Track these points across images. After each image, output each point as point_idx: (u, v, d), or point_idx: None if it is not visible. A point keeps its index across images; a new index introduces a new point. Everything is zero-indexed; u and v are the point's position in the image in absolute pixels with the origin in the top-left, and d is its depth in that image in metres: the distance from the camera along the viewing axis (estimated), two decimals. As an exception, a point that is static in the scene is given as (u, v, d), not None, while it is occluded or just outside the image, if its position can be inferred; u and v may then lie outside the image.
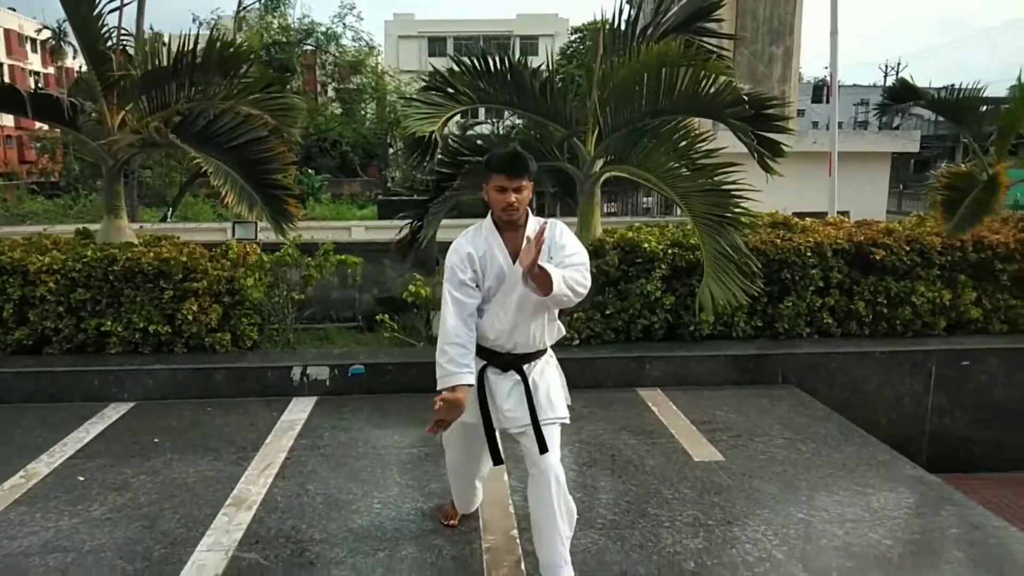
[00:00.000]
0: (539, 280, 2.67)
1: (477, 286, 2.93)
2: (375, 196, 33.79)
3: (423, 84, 6.40)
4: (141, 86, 6.27)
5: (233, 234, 7.43)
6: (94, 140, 6.40)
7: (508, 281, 2.90)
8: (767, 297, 6.06)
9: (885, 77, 54.20)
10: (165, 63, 6.20)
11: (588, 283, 2.84)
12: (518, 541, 3.45)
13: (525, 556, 3.32)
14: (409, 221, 6.65)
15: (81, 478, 4.18)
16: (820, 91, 50.21)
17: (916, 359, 5.87)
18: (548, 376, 3.06)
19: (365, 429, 4.92)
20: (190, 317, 5.68)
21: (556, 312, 3.05)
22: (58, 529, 3.61)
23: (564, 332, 3.17)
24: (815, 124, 44.45)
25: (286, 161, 5.83)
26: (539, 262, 2.65)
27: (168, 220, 21.73)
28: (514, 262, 2.88)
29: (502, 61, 6.07)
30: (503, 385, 3.00)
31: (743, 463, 4.36)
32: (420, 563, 3.28)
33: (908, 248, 6.07)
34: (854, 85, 59.08)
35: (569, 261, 2.83)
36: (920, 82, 8.30)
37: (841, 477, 4.19)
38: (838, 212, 9.44)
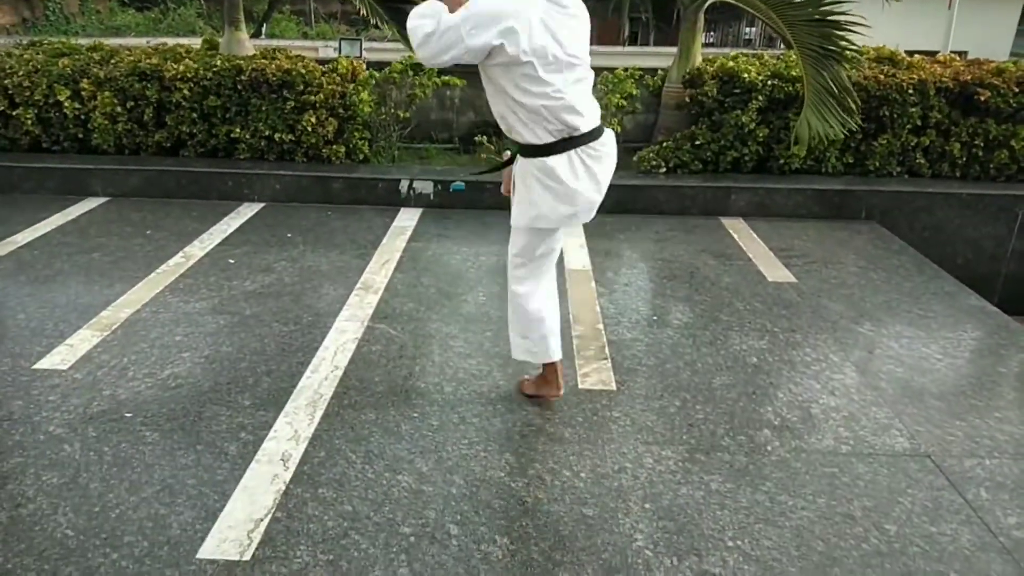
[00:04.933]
0: None
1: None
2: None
3: None
4: None
5: (339, 51, 7.74)
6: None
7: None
8: (861, 134, 6.10)
9: None
10: None
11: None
12: (603, 332, 4.00)
13: (609, 343, 3.87)
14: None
15: (231, 261, 4.92)
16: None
17: (1003, 203, 5.92)
18: None
19: (468, 238, 5.46)
20: (309, 128, 6.19)
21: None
22: (221, 298, 4.36)
23: None
24: (949, -50, 39.69)
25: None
26: None
27: (262, 36, 22.02)
28: None
29: None
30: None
31: (814, 285, 4.73)
32: (521, 342, 3.88)
33: (1017, 90, 5.92)
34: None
35: None
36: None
37: (906, 302, 4.52)
38: (952, 52, 8.97)
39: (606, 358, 3.71)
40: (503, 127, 2.75)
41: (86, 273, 4.68)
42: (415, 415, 3.15)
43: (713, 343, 3.92)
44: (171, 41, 7.81)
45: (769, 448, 2.99)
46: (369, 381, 3.42)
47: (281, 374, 3.47)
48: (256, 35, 21.69)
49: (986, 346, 4.04)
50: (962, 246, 6.00)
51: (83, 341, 3.78)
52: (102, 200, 6.14)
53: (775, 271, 4.93)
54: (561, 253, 4.65)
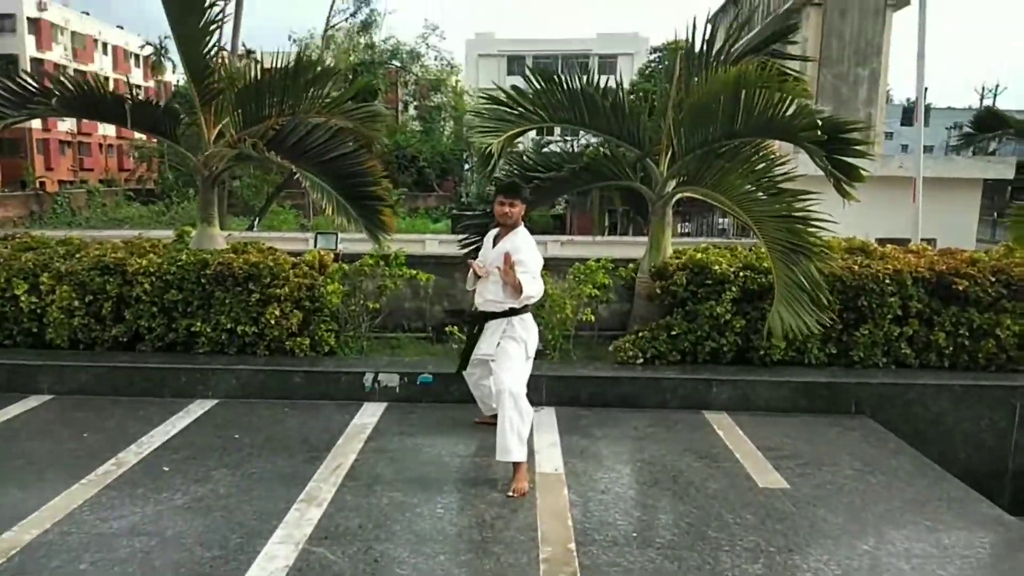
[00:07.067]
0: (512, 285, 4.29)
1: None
2: (449, 210, 34.55)
3: (484, 98, 6.57)
4: (236, 101, 6.67)
5: (315, 244, 7.75)
6: (190, 151, 6.84)
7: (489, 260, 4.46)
8: (842, 324, 5.93)
9: (981, 100, 51.83)
10: (259, 79, 6.61)
11: (536, 287, 4.36)
12: (575, 554, 3.50)
13: (581, 569, 3.37)
14: (473, 235, 6.82)
15: (166, 469, 4.46)
16: (910, 113, 48.49)
17: (999, 395, 5.63)
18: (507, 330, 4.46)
19: (431, 436, 5.06)
20: (272, 321, 5.97)
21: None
22: (144, 514, 3.86)
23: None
24: (904, 147, 42.91)
25: (378, 174, 6.14)
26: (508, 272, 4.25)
27: (255, 229, 22.73)
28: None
29: (571, 80, 6.17)
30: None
31: (809, 492, 4.28)
32: (478, 569, 3.37)
33: (993, 279, 5.84)
34: (948, 108, 56.85)
35: (521, 269, 4.27)
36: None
37: (911, 512, 4.07)
38: (922, 240, 9.12)
39: (577, 589, 3.20)
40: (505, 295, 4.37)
41: (2, 484, 4.20)
42: (340, 675, 2.60)
43: (701, 568, 3.42)
44: (157, 235, 7.88)
45: None
46: (292, 627, 2.88)
47: (189, 618, 2.93)
48: (249, 228, 22.50)
49: (1010, 568, 3.55)
50: (961, 441, 5.63)
51: (-31, 573, 3.25)
52: (46, 398, 5.75)
53: (765, 475, 4.50)
54: (532, 453, 4.31)
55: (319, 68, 6.71)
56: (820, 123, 5.07)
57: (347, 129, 6.75)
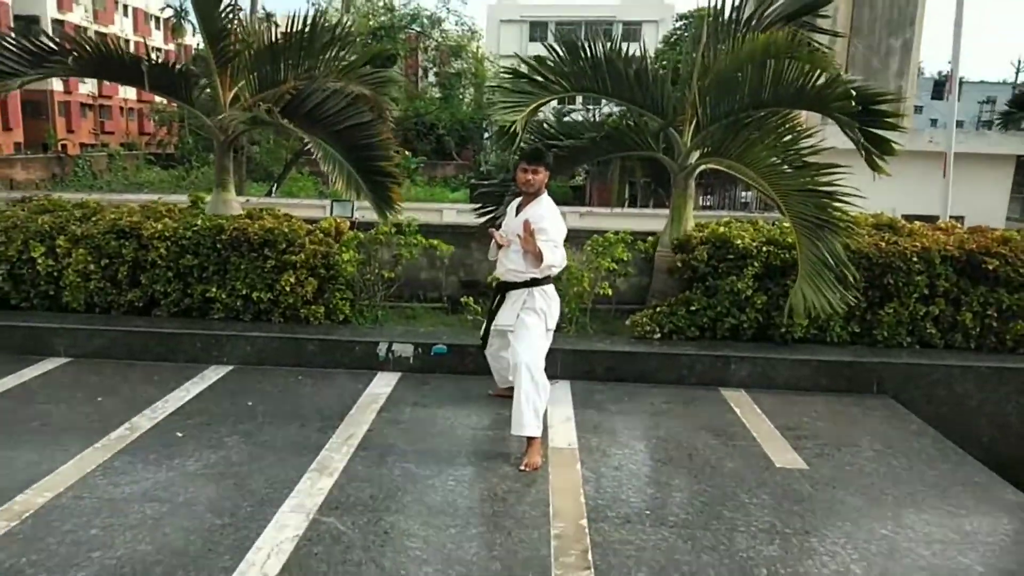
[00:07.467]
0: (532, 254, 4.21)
1: None
2: (468, 179, 34.31)
3: (505, 70, 6.43)
4: (252, 64, 6.57)
5: (331, 212, 7.68)
6: (206, 115, 6.76)
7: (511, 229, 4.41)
8: (867, 302, 5.79)
9: (1016, 74, 50.36)
10: (275, 42, 6.49)
11: (557, 256, 4.27)
12: (587, 530, 3.46)
13: (593, 546, 3.32)
14: (489, 204, 6.73)
15: (179, 434, 4.46)
16: (941, 87, 47.32)
17: (1027, 378, 5.49)
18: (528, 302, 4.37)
19: (445, 407, 5.02)
20: (287, 288, 5.93)
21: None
22: (156, 480, 3.86)
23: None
24: (934, 122, 41.91)
25: (390, 148, 6.03)
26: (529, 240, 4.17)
27: (273, 195, 22.73)
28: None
29: (593, 47, 6.00)
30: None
31: (827, 473, 4.20)
32: (489, 542, 3.33)
33: (1026, 259, 5.67)
34: (981, 81, 55.32)
35: (543, 237, 4.18)
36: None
37: (932, 496, 3.97)
38: (951, 217, 8.88)
39: (589, 567, 3.16)
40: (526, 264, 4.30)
41: (15, 447, 4.22)
42: (346, 649, 2.58)
43: (715, 548, 3.36)
44: (176, 199, 7.87)
45: None
46: (300, 597, 2.86)
47: (197, 586, 2.92)
48: (268, 194, 22.48)
49: (1034, 555, 3.46)
50: (986, 424, 5.50)
51: (-18, 534, 3.26)
52: (62, 361, 5.77)
53: (783, 455, 4.42)
54: (545, 427, 4.26)
55: (336, 31, 6.58)
56: (853, 93, 4.89)
57: (363, 97, 6.63)
